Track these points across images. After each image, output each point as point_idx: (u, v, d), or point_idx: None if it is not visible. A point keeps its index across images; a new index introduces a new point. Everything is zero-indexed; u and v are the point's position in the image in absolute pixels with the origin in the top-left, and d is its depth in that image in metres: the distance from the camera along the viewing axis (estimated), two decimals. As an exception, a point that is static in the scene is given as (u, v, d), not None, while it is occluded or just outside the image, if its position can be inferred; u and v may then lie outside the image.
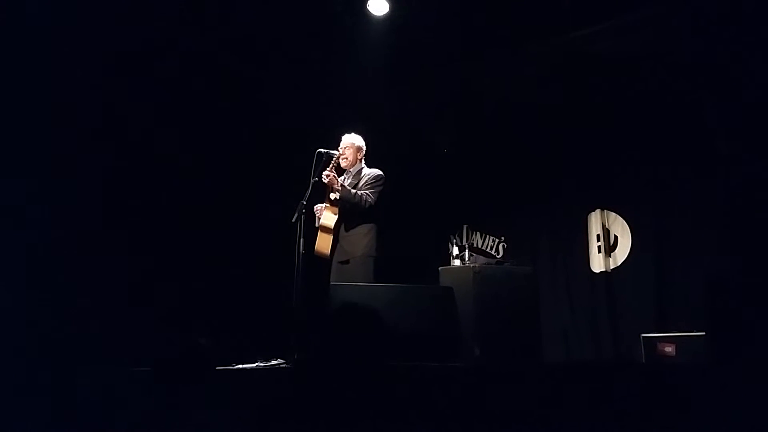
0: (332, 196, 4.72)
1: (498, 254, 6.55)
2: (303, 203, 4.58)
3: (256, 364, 4.26)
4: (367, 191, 4.76)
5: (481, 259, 5.47)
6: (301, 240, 4.54)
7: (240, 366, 4.15)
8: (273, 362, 4.32)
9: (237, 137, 5.87)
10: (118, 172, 5.17)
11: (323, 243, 4.72)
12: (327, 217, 4.72)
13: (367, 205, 4.71)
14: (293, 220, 4.57)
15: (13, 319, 4.09)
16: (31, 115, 4.65)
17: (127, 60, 5.11)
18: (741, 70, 4.76)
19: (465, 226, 6.85)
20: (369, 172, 4.89)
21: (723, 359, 3.56)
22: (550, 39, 5.63)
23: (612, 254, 5.78)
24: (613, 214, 5.85)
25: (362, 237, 4.75)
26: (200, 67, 5.55)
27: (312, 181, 4.65)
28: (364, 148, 4.98)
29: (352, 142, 4.93)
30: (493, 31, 5.55)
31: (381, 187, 4.81)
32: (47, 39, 4.62)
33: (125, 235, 5.11)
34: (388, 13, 5.44)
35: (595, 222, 5.94)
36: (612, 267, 5.76)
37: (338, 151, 4.81)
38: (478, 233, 6.81)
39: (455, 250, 5.42)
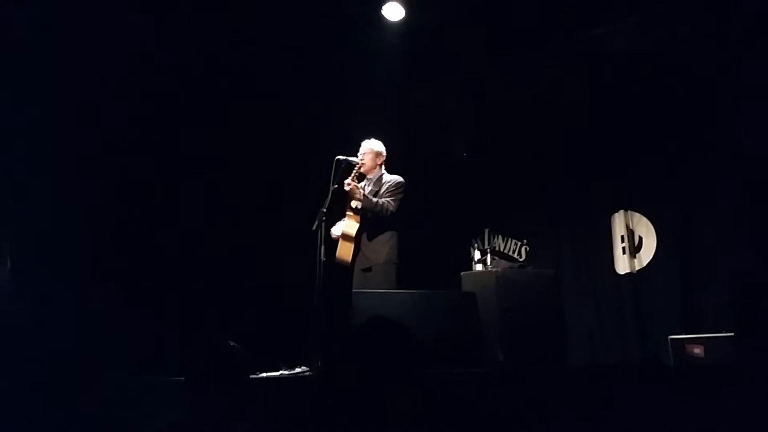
0: (353, 204, 4.71)
1: (520, 257, 6.51)
2: (323, 211, 4.59)
3: (280, 372, 4.27)
4: (388, 199, 4.75)
5: (503, 263, 5.43)
6: (322, 248, 4.55)
7: (264, 374, 4.16)
8: (297, 370, 4.32)
9: (256, 144, 5.90)
10: (138, 177, 5.22)
11: (345, 251, 4.72)
12: (349, 225, 4.72)
13: (388, 213, 4.70)
14: (313, 228, 4.58)
15: (36, 328, 4.13)
16: (41, 119, 4.72)
17: (144, 64, 5.17)
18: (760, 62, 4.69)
19: (486, 230, 6.80)
20: (390, 179, 4.88)
21: (753, 360, 3.49)
22: (570, 39, 5.59)
23: (637, 255, 5.70)
24: (638, 214, 5.77)
25: (384, 244, 4.75)
26: (217, 71, 5.60)
27: (332, 188, 4.65)
28: (384, 154, 4.97)
29: (371, 147, 4.92)
30: (511, 33, 5.52)
31: (402, 194, 4.80)
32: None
33: (147, 241, 5.16)
34: (404, 18, 5.43)
35: (619, 223, 5.87)
36: (637, 268, 5.68)
37: (358, 157, 4.81)
38: (500, 237, 6.76)
39: (477, 255, 5.40)
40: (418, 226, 5.58)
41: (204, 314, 5.09)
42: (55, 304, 4.38)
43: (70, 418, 3.23)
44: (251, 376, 4.01)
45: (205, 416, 2.20)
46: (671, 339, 4.62)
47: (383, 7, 5.43)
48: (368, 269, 4.73)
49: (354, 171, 4.71)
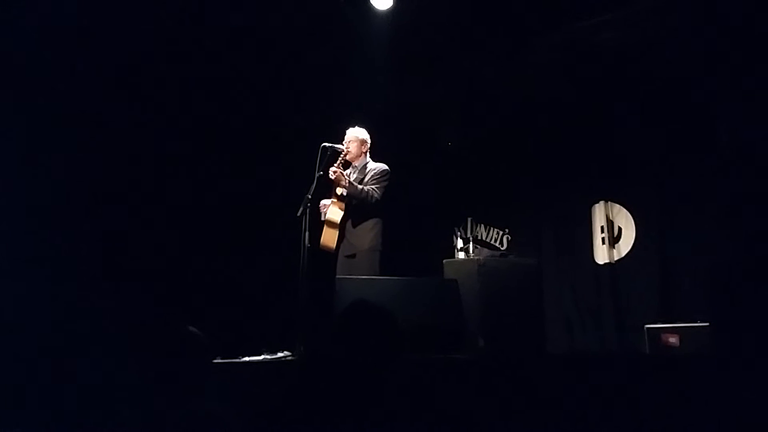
0: (339, 191, 4.75)
1: (502, 246, 6.57)
2: (308, 197, 4.61)
3: (263, 356, 4.30)
4: (373, 186, 4.79)
5: (485, 251, 5.49)
6: (307, 233, 4.57)
7: (246, 359, 4.18)
8: (279, 355, 4.35)
9: (242, 132, 5.88)
10: (123, 165, 5.20)
11: (329, 237, 4.75)
12: (333, 212, 4.75)
13: (373, 201, 4.74)
14: (298, 214, 4.61)
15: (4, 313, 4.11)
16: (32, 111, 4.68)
17: (129, 58, 5.14)
18: (744, 60, 4.75)
19: (469, 219, 6.87)
20: (375, 167, 4.91)
21: (727, 349, 3.57)
22: (554, 31, 5.63)
23: (616, 246, 5.79)
24: (617, 205, 5.85)
25: (368, 231, 4.79)
26: (202, 62, 5.56)
27: (317, 175, 4.67)
28: (369, 142, 5.00)
29: (356, 135, 4.95)
30: (497, 24, 5.55)
31: (387, 182, 4.85)
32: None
33: (127, 228, 5.14)
34: (392, 7, 5.44)
35: (599, 213, 5.95)
36: (616, 258, 5.76)
37: (343, 145, 4.83)
38: (482, 225, 6.82)
39: (459, 243, 5.44)
40: (402, 214, 5.61)
41: (189, 300, 5.10)
42: (22, 286, 4.35)
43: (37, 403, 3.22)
44: (234, 360, 4.07)
45: (169, 401, 2.19)
46: (647, 328, 4.70)
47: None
48: (352, 256, 4.77)
49: (339, 158, 4.74)
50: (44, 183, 4.69)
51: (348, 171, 4.90)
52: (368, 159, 4.98)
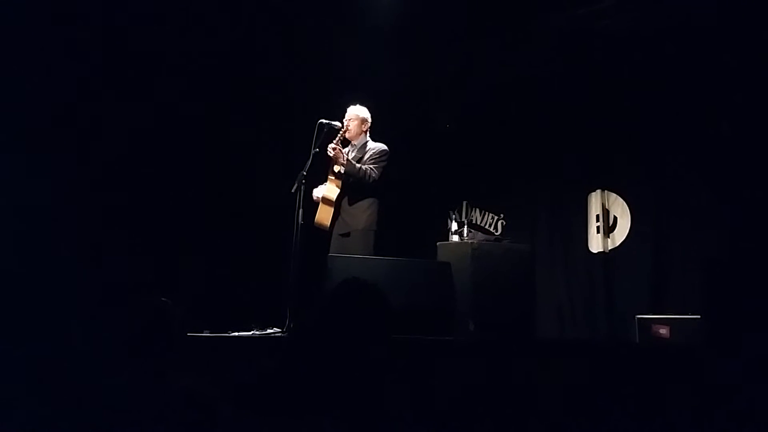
0: (336, 169, 4.71)
1: (497, 231, 6.56)
2: (303, 174, 4.57)
3: (252, 332, 4.29)
4: (371, 166, 4.75)
5: (480, 235, 5.48)
6: (300, 210, 4.54)
7: (236, 333, 4.18)
8: (269, 331, 4.34)
9: (239, 108, 5.83)
10: (115, 139, 5.15)
11: (324, 214, 4.72)
12: (330, 189, 4.72)
13: (371, 180, 4.71)
14: (292, 191, 4.57)
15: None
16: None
17: (127, 31, 5.07)
18: (746, 52, 4.72)
19: (464, 203, 6.83)
20: (374, 147, 4.87)
21: (717, 342, 3.58)
22: (554, 15, 5.59)
23: (611, 235, 5.78)
24: (614, 194, 5.83)
25: (364, 211, 4.76)
26: (201, 38, 5.49)
27: (313, 152, 4.63)
28: (369, 121, 4.95)
29: (356, 113, 4.90)
30: (498, 7, 5.50)
31: (385, 163, 4.81)
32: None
33: (116, 205, 5.10)
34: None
35: (595, 202, 5.93)
36: (610, 248, 5.75)
37: (342, 122, 4.78)
38: (478, 210, 6.80)
39: (454, 226, 5.42)
40: (398, 195, 5.59)
41: (182, 275, 5.08)
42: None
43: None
44: (223, 335, 4.06)
45: (146, 374, 2.17)
46: (638, 318, 4.71)
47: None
48: (347, 234, 4.75)
49: (338, 136, 4.69)
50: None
51: (347, 149, 4.86)
52: (368, 138, 4.94)
